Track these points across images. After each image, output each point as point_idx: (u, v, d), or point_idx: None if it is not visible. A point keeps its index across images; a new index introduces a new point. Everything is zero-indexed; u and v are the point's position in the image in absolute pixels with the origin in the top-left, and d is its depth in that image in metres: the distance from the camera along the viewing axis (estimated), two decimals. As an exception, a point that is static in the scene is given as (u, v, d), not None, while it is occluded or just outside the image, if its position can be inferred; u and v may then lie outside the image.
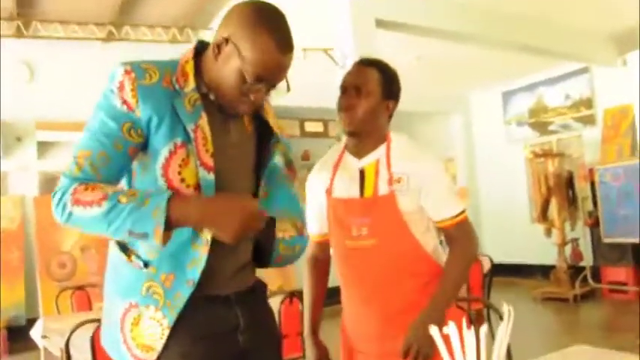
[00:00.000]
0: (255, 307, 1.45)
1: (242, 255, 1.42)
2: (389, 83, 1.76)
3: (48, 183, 6.02)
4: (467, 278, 1.77)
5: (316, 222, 1.87)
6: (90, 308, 4.09)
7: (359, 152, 1.76)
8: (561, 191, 6.96)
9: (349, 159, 1.78)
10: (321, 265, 1.91)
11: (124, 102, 1.25)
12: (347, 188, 1.73)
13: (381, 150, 1.74)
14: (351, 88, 1.74)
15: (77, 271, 5.89)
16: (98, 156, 1.23)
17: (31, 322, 3.93)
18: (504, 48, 5.81)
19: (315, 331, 1.86)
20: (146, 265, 1.30)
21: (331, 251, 1.85)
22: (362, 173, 1.74)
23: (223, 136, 1.34)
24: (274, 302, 2.91)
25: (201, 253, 1.29)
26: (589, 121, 7.36)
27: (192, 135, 1.26)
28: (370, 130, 1.74)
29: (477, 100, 8.94)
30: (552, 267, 6.99)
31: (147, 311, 1.28)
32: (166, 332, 1.27)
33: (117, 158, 1.25)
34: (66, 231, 5.89)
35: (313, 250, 1.90)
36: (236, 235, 1.23)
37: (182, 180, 1.27)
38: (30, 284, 5.68)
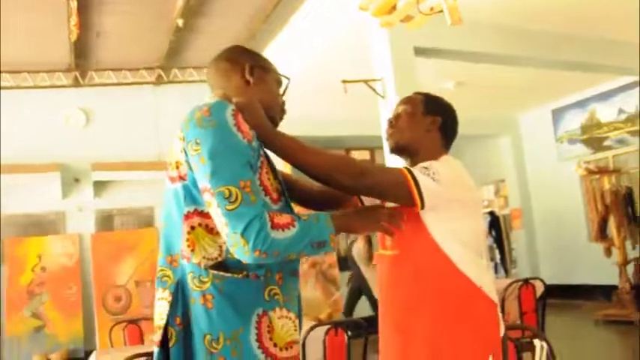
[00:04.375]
0: None
1: None
2: (429, 101, 1.81)
3: (104, 220, 6.23)
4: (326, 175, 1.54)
5: None
6: (142, 342, 4.15)
7: None
8: (619, 208, 6.71)
9: None
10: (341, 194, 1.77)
11: (245, 134, 1.36)
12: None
13: None
14: (395, 110, 1.82)
15: (132, 304, 6.04)
16: (256, 183, 1.34)
17: (89, 354, 4.03)
18: (551, 67, 5.72)
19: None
20: (266, 272, 1.38)
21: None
22: None
23: None
24: (319, 332, 2.88)
25: None
26: (646, 135, 7.12)
27: (262, 152, 1.45)
28: (416, 149, 1.75)
29: (526, 119, 8.79)
30: (614, 287, 6.69)
31: (274, 314, 1.38)
32: (297, 322, 1.43)
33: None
34: (122, 265, 6.07)
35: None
36: (378, 223, 1.49)
37: (270, 185, 1.41)
38: (88, 318, 5.88)
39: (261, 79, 1.55)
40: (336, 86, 4.39)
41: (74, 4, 3.58)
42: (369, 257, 5.91)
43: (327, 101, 6.10)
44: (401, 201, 1.59)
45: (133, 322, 4.31)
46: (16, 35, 4.86)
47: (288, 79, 1.63)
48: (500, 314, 1.68)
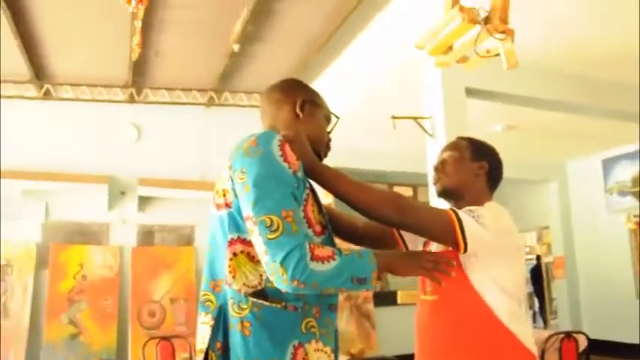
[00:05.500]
0: None
1: None
2: (476, 146, 1.84)
3: (145, 235, 6.34)
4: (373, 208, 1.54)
5: None
6: (173, 359, 4.20)
7: None
8: (670, 267, 6.46)
9: None
10: (386, 229, 1.81)
11: (291, 164, 1.38)
12: (437, 245, 1.72)
13: None
14: (441, 156, 1.85)
15: (166, 321, 6.08)
16: (299, 213, 1.36)
17: (121, 366, 4.09)
18: (604, 116, 5.60)
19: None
20: (304, 305, 1.39)
21: None
22: None
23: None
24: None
25: None
26: (700, 192, 6.86)
27: (308, 184, 1.48)
28: (462, 193, 1.77)
29: (575, 167, 8.59)
30: (662, 349, 6.41)
31: (310, 346, 1.39)
32: (333, 356, 1.45)
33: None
34: (158, 281, 6.15)
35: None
36: (424, 268, 1.46)
37: (314, 218, 1.44)
38: (122, 330, 5.94)
39: (311, 115, 1.59)
40: (384, 120, 4.40)
41: (138, 24, 3.73)
42: None
43: (374, 134, 6.11)
44: (444, 241, 1.59)
45: (166, 338, 4.37)
46: (80, 50, 5.08)
47: (338, 117, 1.68)
48: None
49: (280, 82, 1.66)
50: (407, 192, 8.11)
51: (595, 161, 8.20)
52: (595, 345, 4.28)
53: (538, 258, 10.56)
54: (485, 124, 6.03)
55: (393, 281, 7.91)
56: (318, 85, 5.17)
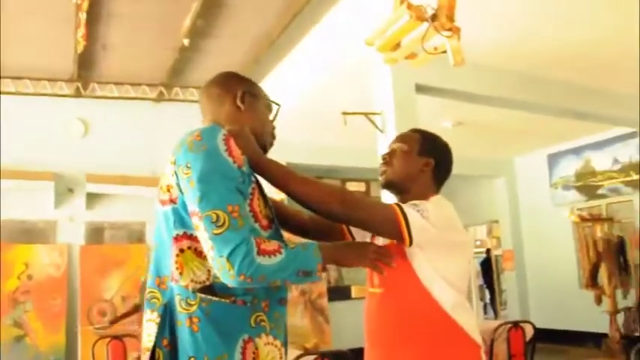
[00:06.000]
0: None
1: None
2: (426, 141, 1.82)
3: (94, 233, 6.19)
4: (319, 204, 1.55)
5: None
6: (125, 359, 4.11)
7: None
8: (611, 257, 6.71)
9: None
10: (332, 224, 1.80)
11: (236, 159, 1.38)
12: (384, 239, 1.73)
13: None
14: (391, 146, 1.85)
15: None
16: (245, 207, 1.36)
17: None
18: (549, 113, 5.77)
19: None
20: (253, 299, 1.39)
21: None
22: None
23: None
24: (305, 362, 2.86)
25: None
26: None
27: (254, 178, 1.48)
28: (407, 187, 1.77)
29: (522, 162, 8.84)
30: (604, 335, 6.67)
31: (260, 340, 1.39)
32: (283, 350, 1.46)
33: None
34: (109, 279, 6.02)
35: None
36: (367, 258, 1.50)
37: (260, 212, 1.44)
38: (71, 330, 5.79)
39: (252, 106, 1.58)
40: (336, 116, 4.42)
41: (83, 16, 3.62)
42: None
43: (326, 130, 6.13)
44: (389, 236, 1.61)
45: (117, 337, 4.26)
46: (21, 42, 4.90)
47: (279, 105, 1.68)
48: (484, 356, 1.69)
49: (217, 76, 1.64)
50: (360, 187, 8.17)
51: (541, 156, 8.46)
52: (541, 333, 4.42)
53: (488, 251, 10.82)
54: (436, 120, 6.12)
55: (348, 276, 7.97)
56: (270, 80, 5.15)
